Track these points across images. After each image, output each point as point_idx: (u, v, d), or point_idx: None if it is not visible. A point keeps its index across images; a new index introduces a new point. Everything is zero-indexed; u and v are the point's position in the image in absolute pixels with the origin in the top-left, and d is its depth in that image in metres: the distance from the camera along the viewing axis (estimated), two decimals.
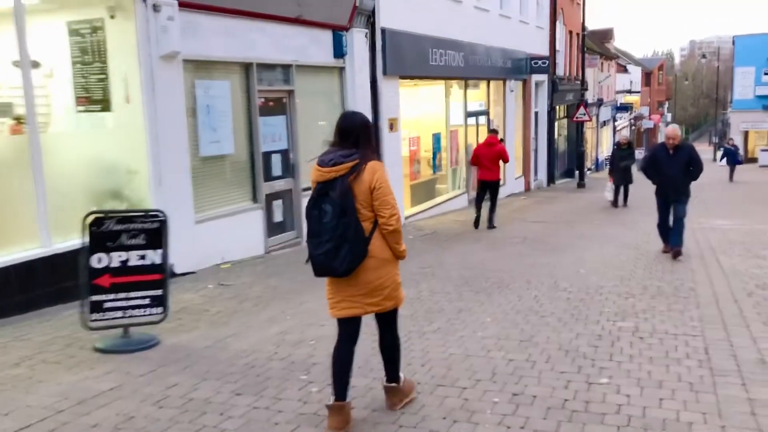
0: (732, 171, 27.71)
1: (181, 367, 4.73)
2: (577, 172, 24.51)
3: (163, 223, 5.30)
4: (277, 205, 9.86)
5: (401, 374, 4.02)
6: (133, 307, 5.24)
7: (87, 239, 5.03)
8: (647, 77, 66.34)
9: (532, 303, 6.47)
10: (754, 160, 42.69)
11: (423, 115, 14.66)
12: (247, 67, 9.13)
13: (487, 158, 11.72)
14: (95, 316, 5.07)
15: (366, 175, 3.55)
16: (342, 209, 3.49)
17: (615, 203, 15.77)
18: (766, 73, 36.20)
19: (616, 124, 46.16)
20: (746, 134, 47.19)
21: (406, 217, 13.01)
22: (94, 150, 7.53)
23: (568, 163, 29.28)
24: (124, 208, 7.27)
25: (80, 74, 7.53)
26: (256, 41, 9.17)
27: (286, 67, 9.90)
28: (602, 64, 38.29)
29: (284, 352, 5.06)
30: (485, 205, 12.00)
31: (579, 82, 27.85)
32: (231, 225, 8.87)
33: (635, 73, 59.32)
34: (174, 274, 7.94)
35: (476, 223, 11.84)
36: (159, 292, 5.33)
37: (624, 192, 15.81)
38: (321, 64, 10.68)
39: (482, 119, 17.61)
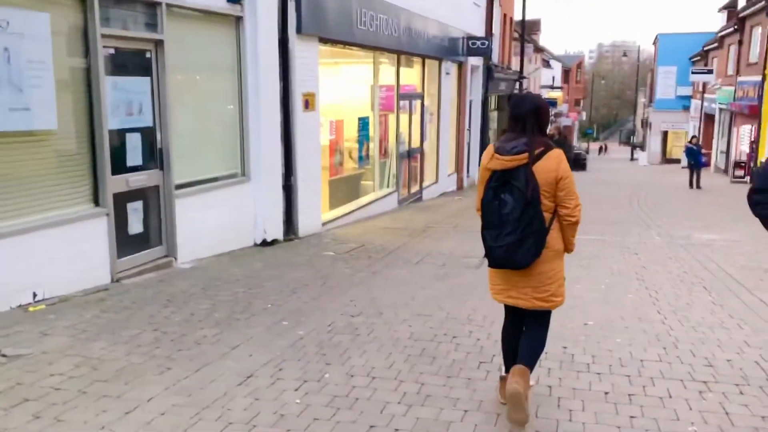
0: (696, 175, 22.52)
1: None
2: None
3: None
4: (135, 209, 6.64)
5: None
6: None
7: None
8: (566, 74, 65.86)
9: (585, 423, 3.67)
10: (673, 160, 42.43)
11: (347, 95, 11.65)
12: None
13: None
14: None
15: (551, 164, 3.35)
16: (527, 200, 3.31)
17: None
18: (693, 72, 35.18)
19: None
20: (665, 134, 47.10)
21: (324, 224, 10.02)
22: None
23: None
24: None
25: None
26: None
27: (150, 6, 6.68)
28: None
29: None
30: None
31: (513, 71, 25.67)
32: (51, 241, 5.64)
33: (556, 69, 58.55)
34: None
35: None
36: None
37: None
38: (207, 8, 7.48)
39: (416, 104, 14.81)
